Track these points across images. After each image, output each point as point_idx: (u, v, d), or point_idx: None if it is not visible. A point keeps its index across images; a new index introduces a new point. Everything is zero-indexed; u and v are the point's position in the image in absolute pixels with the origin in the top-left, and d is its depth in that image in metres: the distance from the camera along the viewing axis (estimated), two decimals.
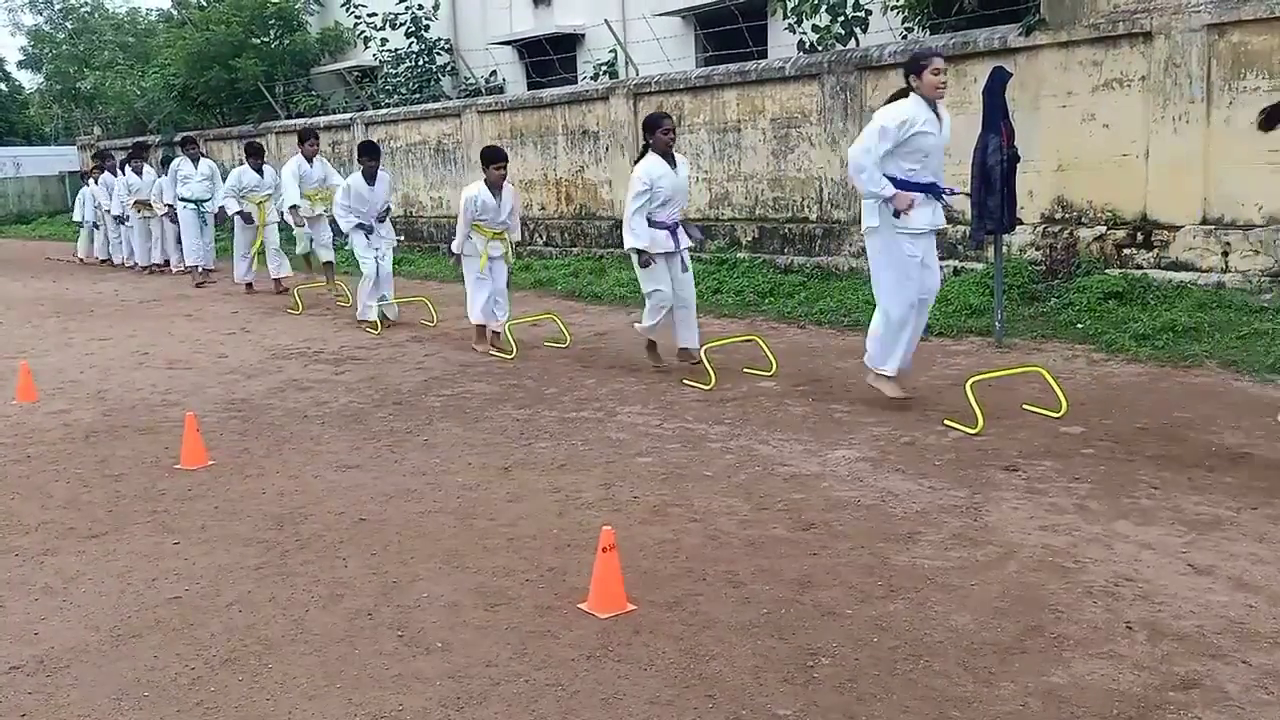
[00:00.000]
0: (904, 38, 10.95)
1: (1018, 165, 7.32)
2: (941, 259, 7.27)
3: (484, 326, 8.59)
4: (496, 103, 15.50)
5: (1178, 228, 8.40)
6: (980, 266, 9.21)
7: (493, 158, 8.33)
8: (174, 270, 15.84)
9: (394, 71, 18.95)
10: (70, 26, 33.52)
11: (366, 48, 19.44)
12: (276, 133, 19.98)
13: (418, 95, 18.31)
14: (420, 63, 18.72)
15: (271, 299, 12.52)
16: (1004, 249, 7.92)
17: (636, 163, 7.25)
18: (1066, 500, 4.52)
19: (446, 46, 18.94)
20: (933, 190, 5.91)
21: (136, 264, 16.70)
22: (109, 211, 17.10)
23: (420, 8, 18.19)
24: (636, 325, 7.52)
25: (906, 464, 5.12)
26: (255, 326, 10.56)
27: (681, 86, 12.42)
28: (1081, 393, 6.23)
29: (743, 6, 13.27)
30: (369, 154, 9.81)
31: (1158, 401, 6.02)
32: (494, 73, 17.95)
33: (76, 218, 18.68)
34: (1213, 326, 7.31)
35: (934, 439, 5.51)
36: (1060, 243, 9.05)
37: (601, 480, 5.08)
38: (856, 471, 5.04)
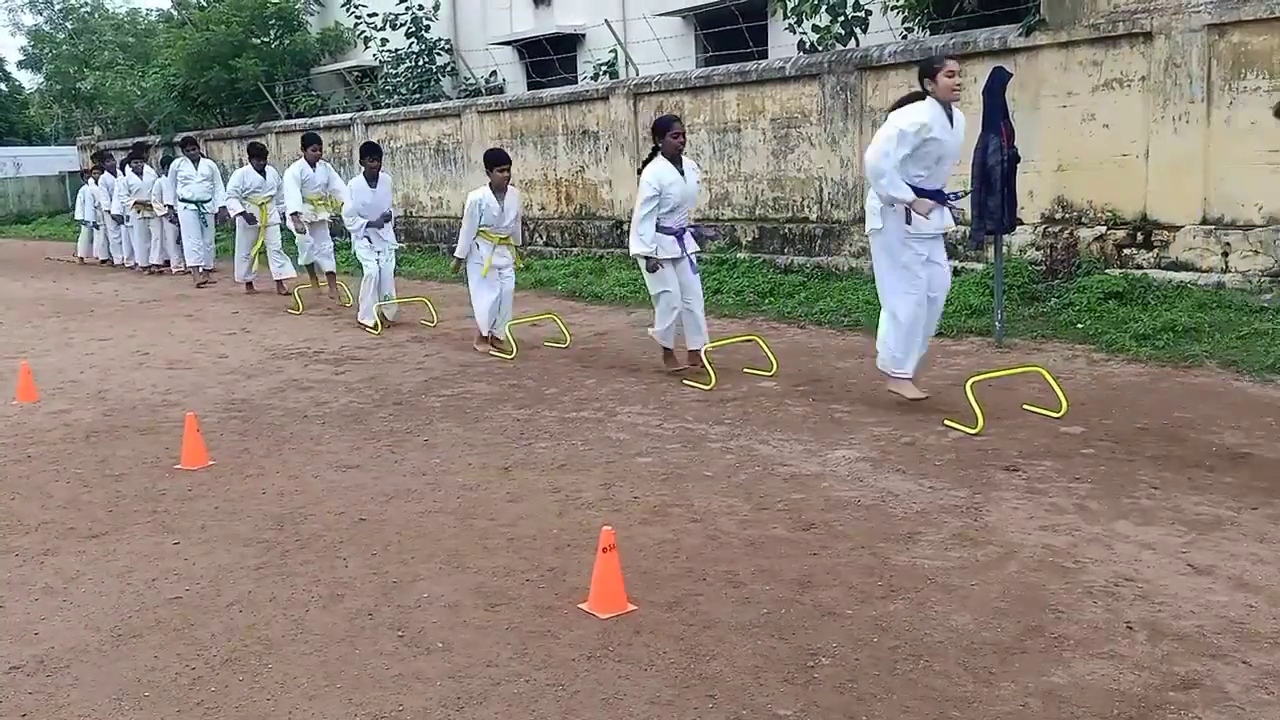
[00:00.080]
0: (904, 38, 10.95)
1: (1018, 165, 7.33)
2: None
3: (486, 338, 8.60)
4: (497, 103, 15.50)
5: (1178, 228, 8.40)
6: (980, 266, 9.21)
7: (496, 160, 8.31)
8: (174, 270, 15.85)
9: (394, 72, 18.95)
10: (70, 26, 33.53)
11: (366, 48, 19.44)
12: (277, 133, 19.98)
13: (418, 95, 18.31)
14: (420, 63, 18.72)
15: (272, 299, 12.52)
16: (1004, 249, 7.92)
17: (644, 165, 7.15)
18: (1067, 500, 4.52)
19: (447, 47, 18.94)
20: (938, 197, 5.88)
21: (136, 264, 16.71)
22: (109, 211, 17.10)
23: (420, 8, 18.19)
24: (650, 331, 7.42)
25: (907, 464, 5.12)
26: (255, 327, 10.56)
27: (682, 87, 12.43)
28: (1082, 393, 6.23)
29: (743, 6, 13.27)
30: (371, 155, 9.81)
31: (1158, 401, 6.02)
32: (494, 73, 17.95)
33: (78, 216, 18.68)
34: (1213, 326, 7.31)
35: (934, 439, 5.51)
36: (1060, 243, 9.05)
37: (602, 480, 5.08)
38: (857, 471, 5.04)
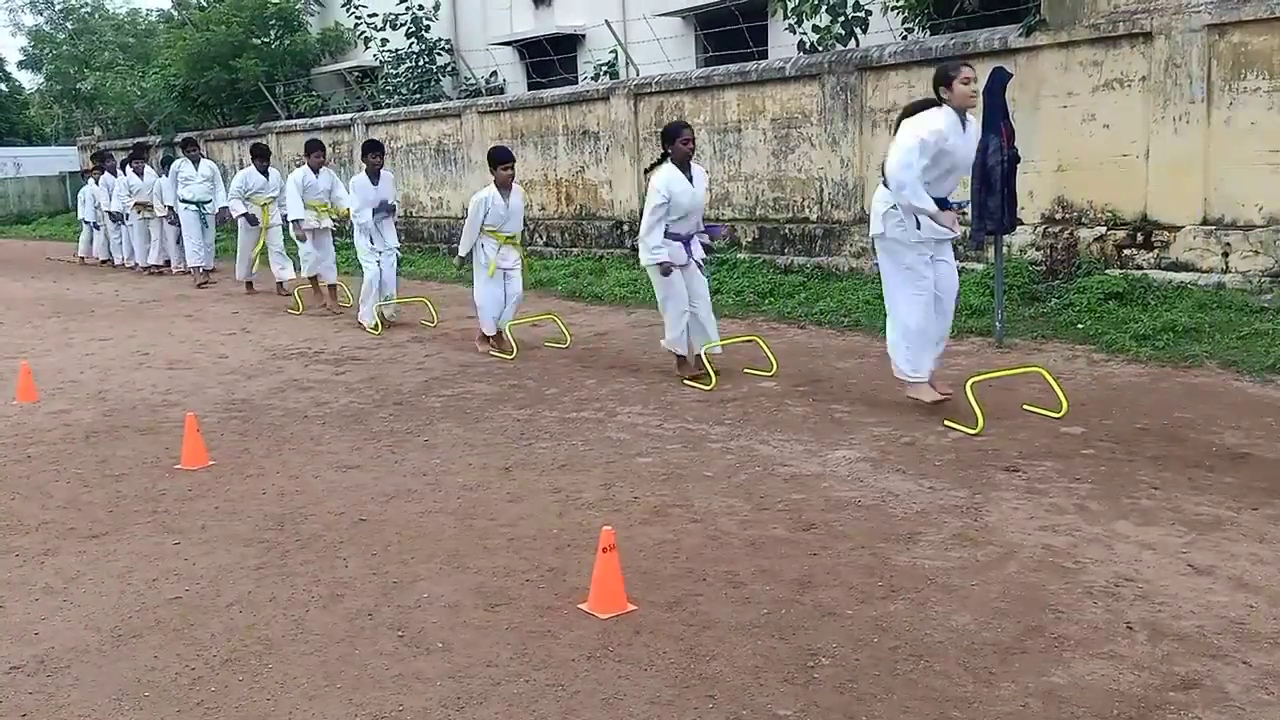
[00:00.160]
0: (904, 38, 10.95)
1: (1018, 165, 7.32)
2: None
3: (487, 338, 8.59)
4: (497, 103, 15.50)
5: (1178, 228, 8.40)
6: (980, 267, 9.21)
7: (501, 159, 8.28)
8: (174, 271, 15.86)
9: (394, 72, 18.95)
10: (70, 27, 33.52)
11: (367, 48, 19.44)
12: (277, 133, 19.98)
13: (418, 95, 18.32)
14: (421, 63, 18.73)
15: (272, 299, 12.52)
16: (1004, 249, 7.92)
17: (650, 170, 7.10)
18: (1067, 500, 4.52)
19: (447, 47, 18.95)
20: (945, 205, 5.81)
21: (137, 264, 16.71)
22: (109, 211, 17.11)
23: (421, 8, 18.19)
24: (662, 342, 7.28)
25: (907, 464, 5.12)
26: (256, 327, 10.57)
27: (682, 87, 12.43)
28: (1082, 393, 6.23)
29: (743, 7, 13.27)
30: (373, 152, 9.81)
31: (1158, 402, 6.02)
32: (494, 73, 17.95)
33: (81, 216, 18.69)
34: (1213, 327, 7.31)
35: (934, 439, 5.51)
36: (1060, 243, 9.05)
37: (602, 480, 5.08)
38: (857, 472, 5.04)
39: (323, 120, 19.19)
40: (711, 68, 12.47)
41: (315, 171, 11.05)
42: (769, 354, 7.31)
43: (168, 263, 16.12)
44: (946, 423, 5.73)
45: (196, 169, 14.31)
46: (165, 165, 15.71)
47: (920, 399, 5.98)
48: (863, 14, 10.62)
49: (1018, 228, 8.34)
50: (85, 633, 3.66)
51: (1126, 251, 8.71)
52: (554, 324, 9.08)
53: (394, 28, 18.38)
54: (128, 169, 16.17)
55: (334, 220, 11.29)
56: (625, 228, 13.36)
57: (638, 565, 3.97)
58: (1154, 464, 4.94)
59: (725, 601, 3.67)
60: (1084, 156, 8.94)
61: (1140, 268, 8.59)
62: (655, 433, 5.90)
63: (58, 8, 35.34)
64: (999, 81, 7.16)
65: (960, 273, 9.36)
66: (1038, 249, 9.22)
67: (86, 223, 18.44)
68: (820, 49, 10.95)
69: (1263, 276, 7.93)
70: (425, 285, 13.07)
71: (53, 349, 9.61)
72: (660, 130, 7.35)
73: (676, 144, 6.88)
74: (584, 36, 17.13)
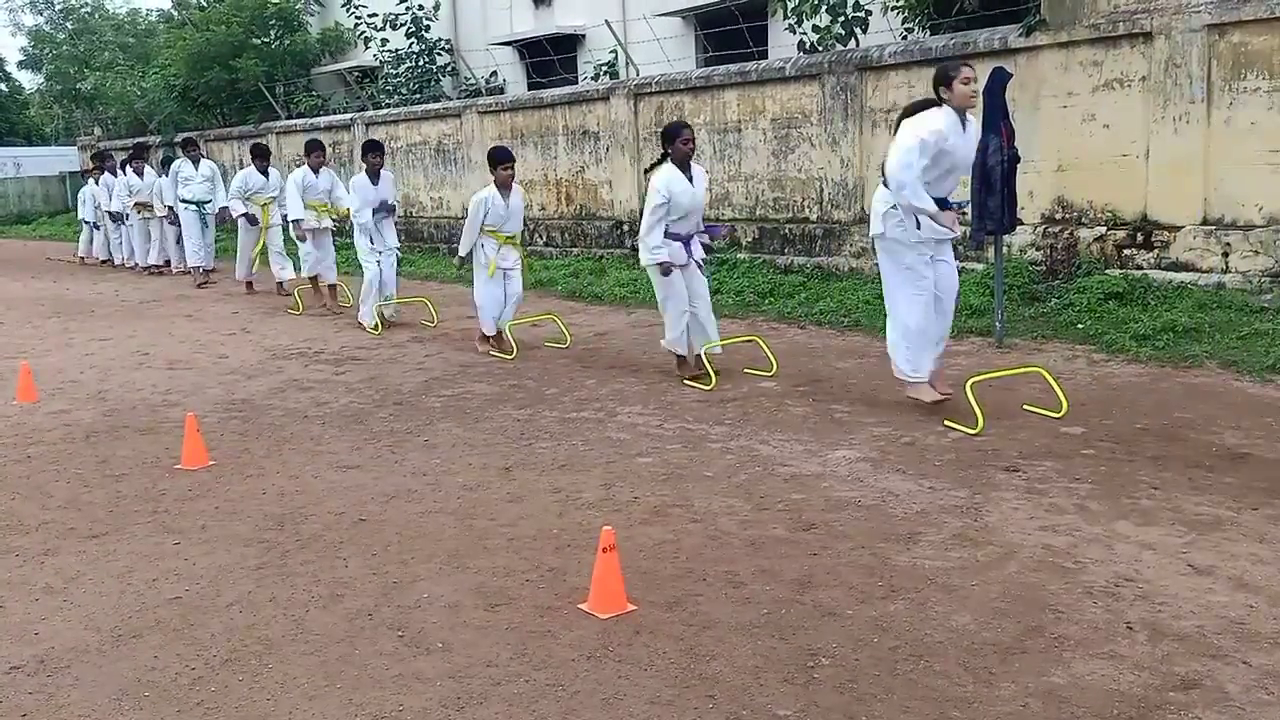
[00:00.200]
0: (904, 38, 10.95)
1: (1018, 165, 7.32)
2: None
3: (487, 337, 8.59)
4: (497, 103, 15.50)
5: (1178, 228, 8.40)
6: (980, 267, 9.21)
7: (501, 158, 8.28)
8: (174, 271, 15.86)
9: (394, 72, 18.95)
10: (70, 27, 33.52)
11: (367, 48, 19.44)
12: (277, 133, 19.99)
13: (418, 95, 18.32)
14: (421, 63, 18.73)
15: (272, 299, 12.52)
16: (1004, 249, 7.92)
17: (650, 170, 7.08)
18: (1067, 501, 4.52)
19: (447, 47, 18.95)
20: (944, 205, 5.80)
21: (137, 264, 16.72)
22: (109, 211, 17.12)
23: (421, 8, 18.19)
24: (662, 342, 7.27)
25: (907, 464, 5.12)
26: (256, 327, 10.57)
27: (682, 87, 12.43)
28: (1082, 393, 6.23)
29: (743, 7, 13.27)
30: (373, 152, 9.80)
31: (1158, 402, 6.02)
32: (494, 73, 17.95)
33: (82, 216, 18.71)
34: (1213, 327, 7.31)
35: (934, 439, 5.51)
36: (1060, 243, 9.05)
37: (602, 480, 5.08)
38: (857, 472, 5.04)
39: (323, 120, 19.19)
40: (711, 68, 12.47)
41: (315, 171, 11.00)
42: (769, 354, 7.31)
43: (168, 263, 16.12)
44: (946, 423, 5.73)
45: (196, 169, 14.32)
46: (165, 165, 15.72)
47: (920, 399, 5.97)
48: (863, 14, 10.62)
49: (1018, 228, 8.34)
50: (85, 633, 3.66)
51: (1126, 251, 8.71)
52: (554, 324, 9.08)
53: (394, 28, 18.38)
54: (128, 169, 16.18)
55: (334, 220, 11.26)
56: (625, 228, 13.36)
57: (638, 565, 3.97)
58: (1154, 464, 4.94)
59: (725, 601, 3.67)
60: (1084, 156, 8.94)
61: (1140, 268, 8.59)
62: (655, 433, 5.90)
63: (58, 8, 35.35)
64: (999, 81, 7.16)
65: (960, 273, 9.35)
66: (1038, 249, 9.22)
67: (87, 223, 18.45)
68: (820, 49, 10.94)
69: (1263, 276, 7.93)
70: (425, 285, 13.08)
71: (53, 349, 9.61)
72: (660, 130, 7.32)
73: (676, 144, 6.87)
74: (584, 36, 17.13)
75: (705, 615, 3.57)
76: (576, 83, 15.56)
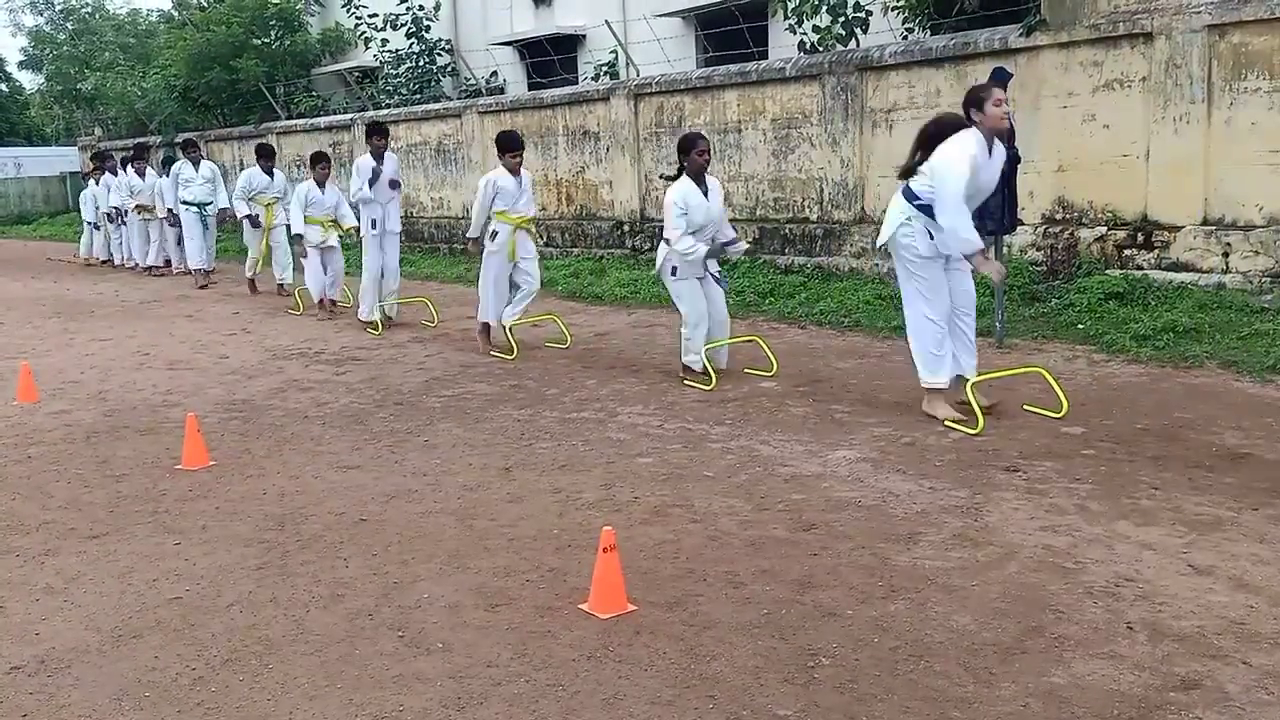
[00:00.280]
0: (904, 38, 10.95)
1: (1018, 166, 7.32)
2: None
3: (489, 327, 8.57)
4: (497, 103, 15.51)
5: (1178, 228, 8.40)
6: None
7: (508, 145, 8.17)
8: (175, 271, 15.87)
9: (394, 72, 18.96)
10: (71, 27, 33.53)
11: (367, 48, 19.45)
12: (278, 133, 19.99)
13: (418, 96, 18.32)
14: (421, 63, 18.73)
15: (273, 300, 12.53)
16: (1005, 249, 7.92)
17: (672, 179, 6.99)
18: (1067, 501, 4.52)
19: (447, 47, 18.95)
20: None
21: (137, 264, 16.72)
22: (107, 211, 17.14)
23: (421, 8, 18.20)
24: (685, 360, 7.11)
25: (907, 464, 5.12)
26: (256, 327, 10.57)
27: (682, 87, 12.43)
28: (1082, 393, 6.23)
29: (743, 7, 13.28)
30: (378, 135, 9.80)
31: (1158, 402, 6.02)
32: (495, 73, 17.95)
33: (85, 218, 18.72)
34: (1213, 327, 7.31)
35: (934, 439, 5.51)
36: (1061, 243, 9.05)
37: (602, 481, 5.08)
38: (857, 472, 5.04)
39: (323, 120, 19.21)
40: (712, 68, 12.47)
41: (320, 186, 10.71)
42: (769, 354, 7.31)
43: (168, 263, 16.13)
44: (947, 423, 5.73)
45: (197, 170, 14.32)
46: (166, 165, 15.72)
47: (934, 414, 5.85)
48: (863, 14, 10.62)
49: (1018, 228, 8.34)
50: (86, 633, 3.66)
51: (1127, 252, 8.71)
52: (554, 324, 9.08)
53: (394, 28, 18.39)
54: (129, 168, 16.19)
55: (341, 235, 10.97)
56: (625, 228, 13.36)
57: (638, 565, 3.97)
58: (1154, 464, 4.94)
59: (725, 602, 3.67)
60: (1084, 157, 8.94)
61: (1140, 268, 8.59)
62: (655, 433, 5.90)
63: (58, 8, 35.35)
64: (999, 81, 7.15)
65: None
66: (1038, 249, 9.22)
67: (89, 223, 18.48)
68: (820, 49, 10.95)
69: (1263, 277, 7.93)
70: (425, 285, 13.08)
71: (53, 349, 9.62)
72: (675, 142, 7.24)
73: (692, 155, 6.79)
74: (584, 37, 17.14)
75: (705, 615, 3.57)
76: (577, 83, 15.57)
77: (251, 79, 20.49)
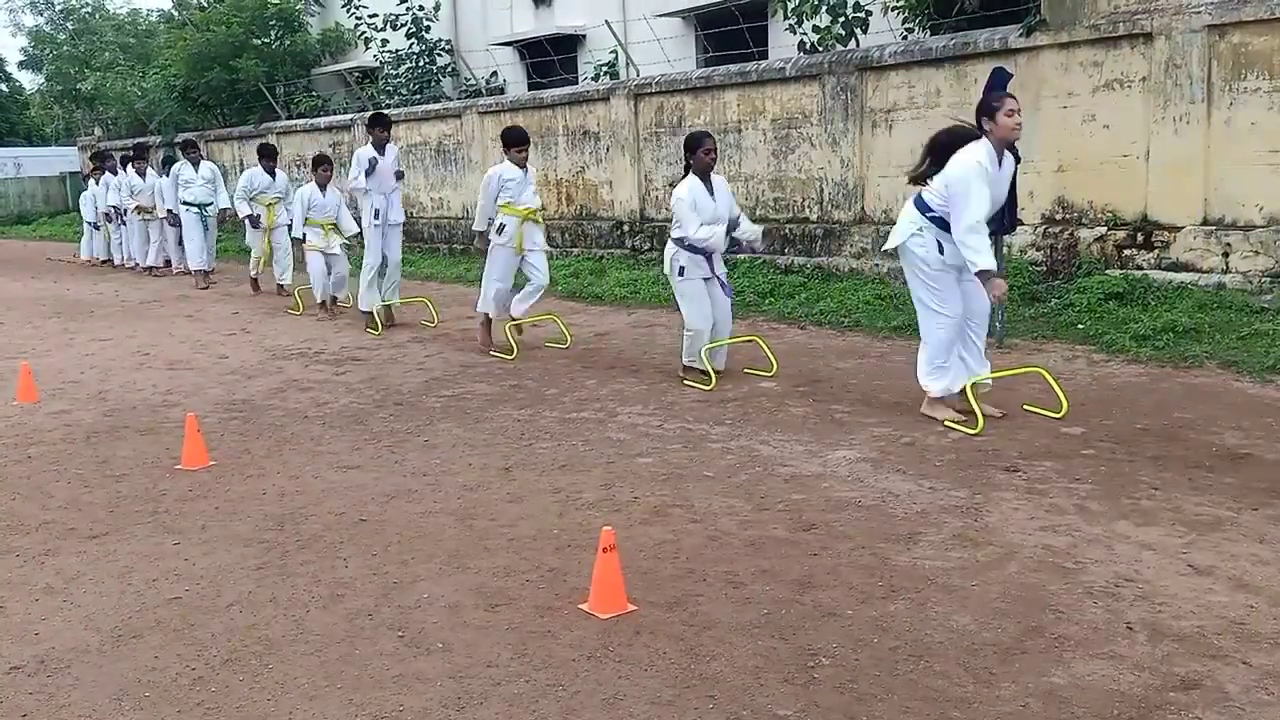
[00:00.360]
0: (904, 38, 10.95)
1: (1018, 166, 7.30)
2: None
3: (490, 321, 8.56)
4: (497, 103, 15.51)
5: (1178, 228, 8.40)
6: None
7: (514, 140, 8.19)
8: (175, 271, 15.87)
9: (394, 72, 18.96)
10: (71, 27, 33.54)
11: (367, 48, 19.44)
12: (277, 133, 19.99)
13: (418, 96, 18.32)
14: (421, 63, 18.73)
15: (273, 300, 12.53)
16: (1005, 250, 7.91)
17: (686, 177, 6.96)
18: (1067, 501, 4.52)
19: (447, 47, 18.95)
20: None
21: (137, 264, 16.73)
22: (105, 211, 17.15)
23: (421, 9, 18.19)
24: (685, 360, 7.13)
25: (907, 465, 5.12)
26: (256, 327, 10.57)
27: (682, 87, 12.43)
28: (1082, 393, 6.23)
29: (743, 7, 13.28)
30: (380, 125, 9.81)
31: (1158, 402, 6.02)
32: (495, 73, 17.95)
33: (86, 218, 18.73)
34: (1213, 327, 7.31)
35: (934, 440, 5.51)
36: (1061, 243, 9.05)
37: (602, 481, 5.08)
38: (857, 472, 5.04)
39: (323, 120, 19.21)
40: (712, 68, 12.47)
41: (322, 188, 10.62)
42: (769, 354, 7.31)
43: (168, 263, 16.13)
44: (946, 423, 5.73)
45: (196, 171, 14.32)
46: (166, 165, 15.73)
47: (934, 415, 5.85)
48: (863, 14, 10.62)
49: (1018, 228, 8.34)
50: (85, 633, 3.66)
51: (1127, 252, 8.71)
52: (554, 324, 9.08)
53: (394, 28, 18.38)
54: (129, 168, 16.20)
55: (342, 242, 10.89)
56: (625, 228, 13.36)
57: (638, 565, 3.97)
58: (1154, 464, 4.94)
59: (725, 602, 3.67)
60: (1084, 157, 8.94)
61: (1140, 268, 8.59)
62: (655, 433, 5.90)
63: (58, 8, 35.36)
64: (999, 81, 7.15)
65: None
66: (1038, 249, 9.22)
67: (89, 224, 18.48)
68: (820, 49, 10.95)
69: (1263, 277, 7.93)
70: (425, 285, 13.08)
71: (53, 349, 9.62)
72: (676, 142, 7.25)
73: (698, 154, 6.77)
74: (584, 37, 17.14)
75: (705, 615, 3.57)
76: (577, 83, 15.57)
77: (251, 79, 20.49)
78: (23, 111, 40.90)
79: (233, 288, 13.81)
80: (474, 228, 8.55)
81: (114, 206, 16.80)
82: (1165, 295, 8.08)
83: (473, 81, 17.41)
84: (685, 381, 7.07)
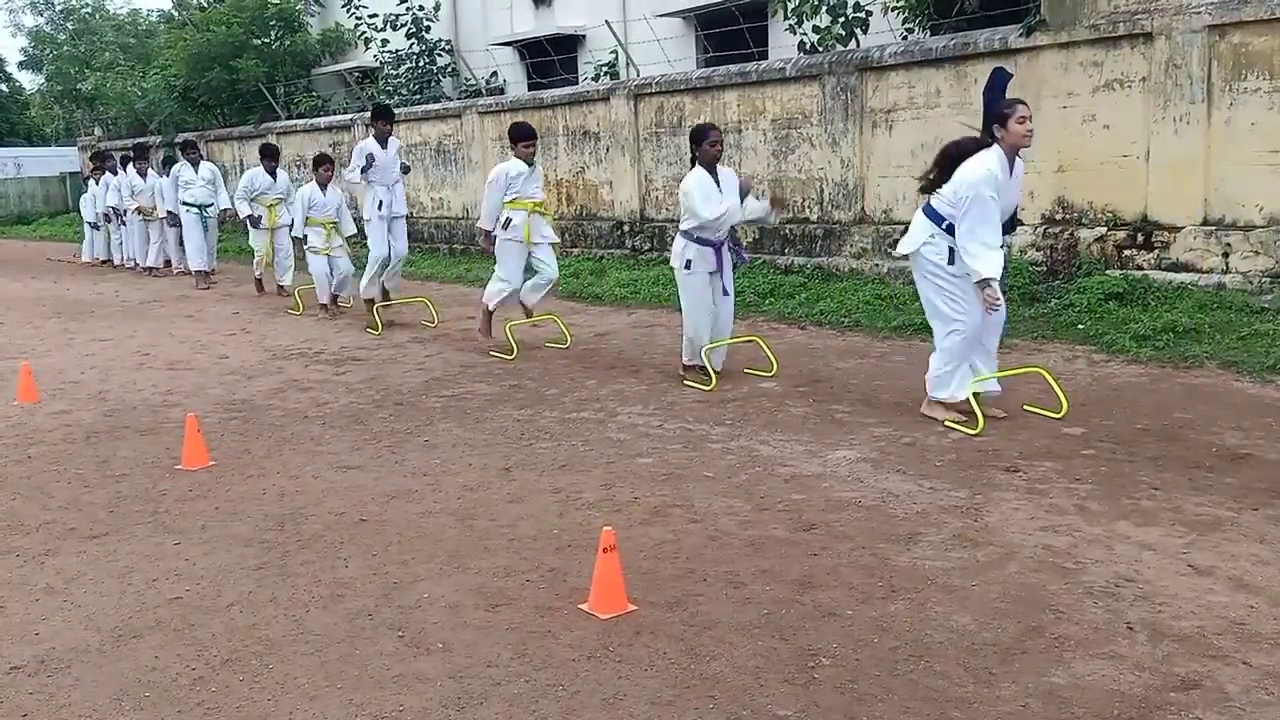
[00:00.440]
0: (904, 38, 10.95)
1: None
2: None
3: (491, 315, 8.55)
4: (497, 103, 15.51)
5: (1178, 229, 8.40)
6: None
7: (521, 135, 8.19)
8: (175, 271, 15.88)
9: (395, 72, 18.95)
10: (71, 27, 33.53)
11: (367, 48, 19.44)
12: (278, 133, 19.99)
13: (418, 96, 18.32)
14: (421, 64, 18.73)
15: (273, 300, 12.54)
16: (1005, 250, 7.91)
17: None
18: (1067, 501, 4.52)
19: (447, 47, 18.95)
20: None
21: (137, 265, 16.73)
22: (104, 212, 17.15)
23: (421, 9, 18.19)
24: (684, 359, 7.16)
25: (907, 465, 5.12)
26: (256, 327, 10.57)
27: (682, 87, 12.43)
28: (1082, 393, 6.23)
29: (744, 7, 13.28)
30: (383, 118, 9.80)
31: (1158, 402, 6.02)
32: (495, 73, 17.95)
33: (88, 219, 18.73)
34: (1213, 327, 7.31)
35: (934, 440, 5.51)
36: (1061, 243, 9.05)
37: (602, 481, 5.08)
38: (857, 472, 5.04)
39: (323, 121, 19.21)
40: (712, 68, 12.47)
41: (323, 188, 10.61)
42: (769, 354, 7.31)
43: (168, 263, 16.13)
44: (947, 423, 5.73)
45: (196, 172, 14.31)
46: (166, 166, 15.73)
47: (934, 415, 5.85)
48: (863, 14, 10.62)
49: (1018, 228, 8.34)
50: (86, 633, 3.66)
51: (1127, 252, 8.71)
52: (554, 324, 9.08)
53: (394, 28, 18.38)
54: (129, 167, 16.19)
55: (343, 243, 10.87)
56: (625, 228, 13.36)
57: (638, 565, 3.97)
58: (1154, 464, 4.94)
59: (725, 602, 3.67)
60: (1084, 157, 8.94)
61: (1140, 268, 8.59)
62: (655, 433, 5.90)
63: (58, 8, 35.36)
64: (1000, 81, 7.15)
65: None
66: (1038, 249, 9.22)
67: (89, 224, 18.49)
68: (820, 49, 10.95)
69: (1263, 277, 7.93)
70: (425, 285, 13.08)
71: (53, 349, 9.62)
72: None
73: (704, 146, 6.75)
74: (584, 37, 17.14)
75: (706, 615, 3.57)
76: (577, 83, 15.56)
77: (251, 79, 20.49)
78: (23, 112, 40.91)
79: (233, 288, 13.81)
80: (479, 225, 8.54)
81: (112, 207, 16.80)
82: (1165, 295, 8.09)
83: (473, 81, 17.41)
84: (685, 382, 7.07)
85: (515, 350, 8.37)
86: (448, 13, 19.18)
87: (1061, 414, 5.76)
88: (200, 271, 14.34)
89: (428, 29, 18.50)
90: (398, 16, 18.21)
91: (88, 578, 4.16)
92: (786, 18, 11.09)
